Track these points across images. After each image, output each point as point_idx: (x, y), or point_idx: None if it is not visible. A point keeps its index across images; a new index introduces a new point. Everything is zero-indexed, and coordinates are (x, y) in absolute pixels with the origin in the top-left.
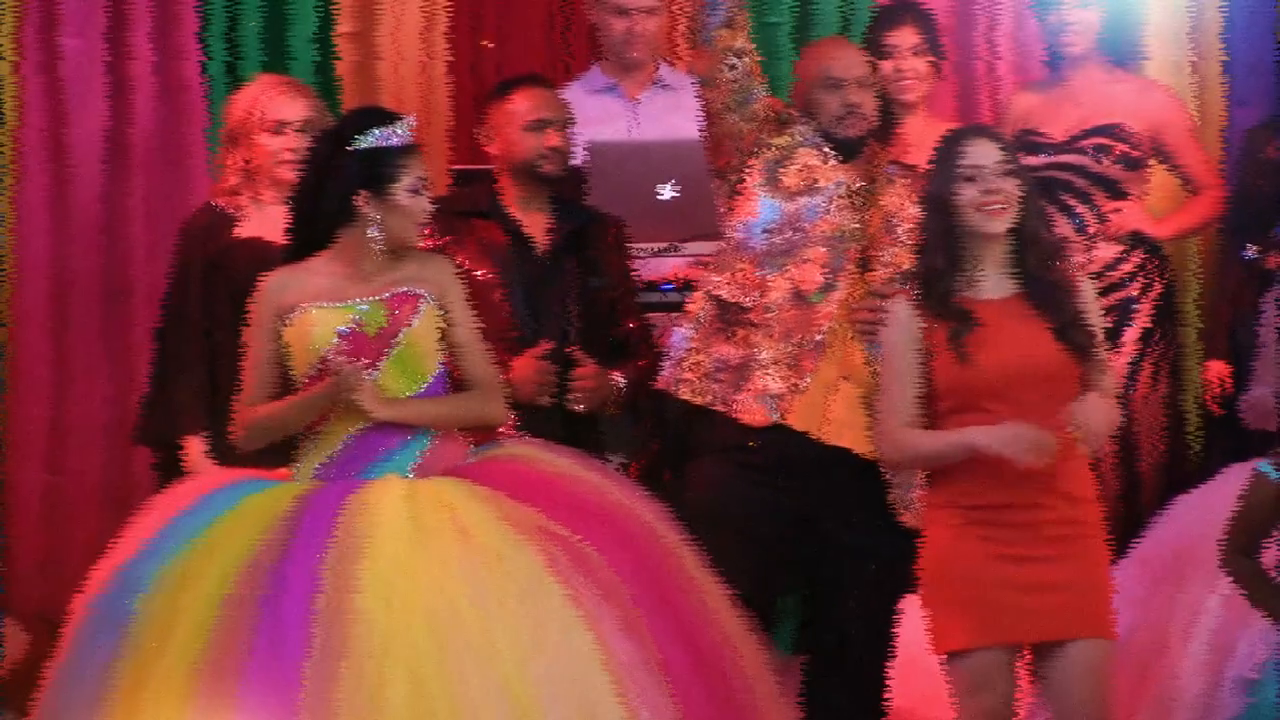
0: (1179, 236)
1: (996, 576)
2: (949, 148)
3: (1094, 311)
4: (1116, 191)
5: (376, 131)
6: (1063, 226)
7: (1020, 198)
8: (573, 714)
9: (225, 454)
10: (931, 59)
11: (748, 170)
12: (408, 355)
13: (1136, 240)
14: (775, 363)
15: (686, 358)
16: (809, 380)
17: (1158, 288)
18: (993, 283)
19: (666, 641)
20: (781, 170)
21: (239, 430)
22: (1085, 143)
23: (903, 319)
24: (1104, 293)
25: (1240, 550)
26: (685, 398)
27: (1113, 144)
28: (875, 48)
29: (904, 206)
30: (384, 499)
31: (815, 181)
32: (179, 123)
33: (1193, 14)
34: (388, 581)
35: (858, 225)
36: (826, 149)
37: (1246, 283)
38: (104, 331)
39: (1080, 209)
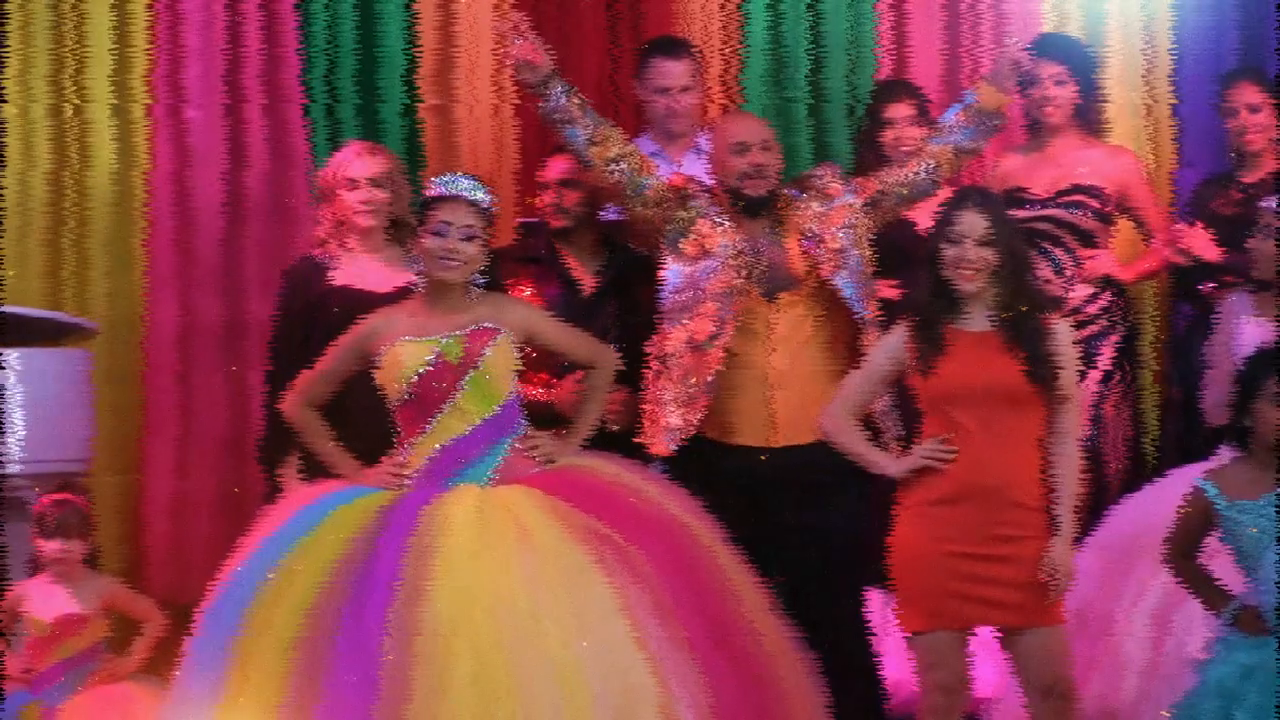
0: (1141, 279)
1: (952, 570)
2: (947, 211)
3: (1066, 355)
4: (1090, 241)
5: (431, 186)
6: (1044, 269)
7: (999, 262)
8: (611, 687)
9: (317, 472)
10: (925, 127)
11: (661, 243)
12: (483, 380)
13: (1106, 282)
14: (675, 401)
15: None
16: (699, 418)
17: (1123, 323)
18: (974, 319)
19: (695, 625)
20: (682, 240)
21: (291, 410)
22: (1064, 199)
23: (893, 336)
24: (1079, 326)
25: (1181, 554)
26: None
27: (1087, 200)
28: (876, 119)
29: (810, 218)
30: (457, 505)
31: (707, 247)
32: (285, 184)
33: (1145, 79)
34: (456, 574)
35: (741, 281)
36: (717, 218)
37: (1197, 318)
38: (224, 361)
39: (1060, 255)
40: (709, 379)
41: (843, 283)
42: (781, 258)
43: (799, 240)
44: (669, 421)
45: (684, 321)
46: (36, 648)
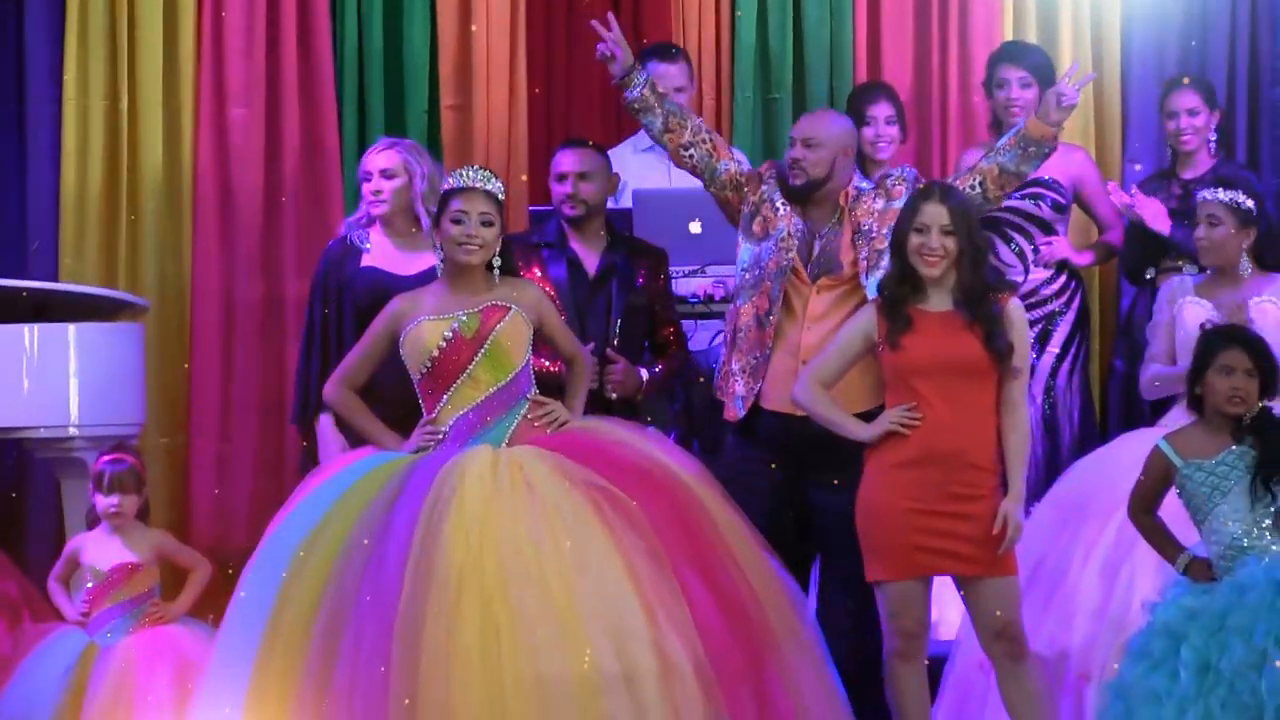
0: (1093, 264)
1: (915, 526)
2: (913, 203)
3: (1020, 333)
4: (1049, 229)
5: (449, 178)
6: (1008, 255)
7: (959, 249)
8: (606, 627)
9: (350, 431)
10: (900, 126)
11: (738, 222)
12: (496, 351)
13: (1062, 267)
14: (742, 371)
15: (720, 367)
16: (763, 384)
17: (1077, 303)
18: (937, 300)
19: (687, 571)
20: (754, 221)
21: (335, 394)
22: (1025, 192)
23: (865, 314)
24: (1037, 306)
25: (1142, 509)
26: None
27: (1046, 193)
28: (856, 118)
29: (870, 212)
30: (472, 463)
31: (769, 229)
32: (319, 174)
33: (1096, 83)
34: (468, 525)
35: (789, 261)
36: (780, 203)
37: (1140, 300)
38: (263, 335)
39: (1022, 242)
40: (768, 351)
41: (869, 281)
42: (835, 246)
43: (853, 233)
44: (736, 389)
45: (752, 298)
46: (94, 593)
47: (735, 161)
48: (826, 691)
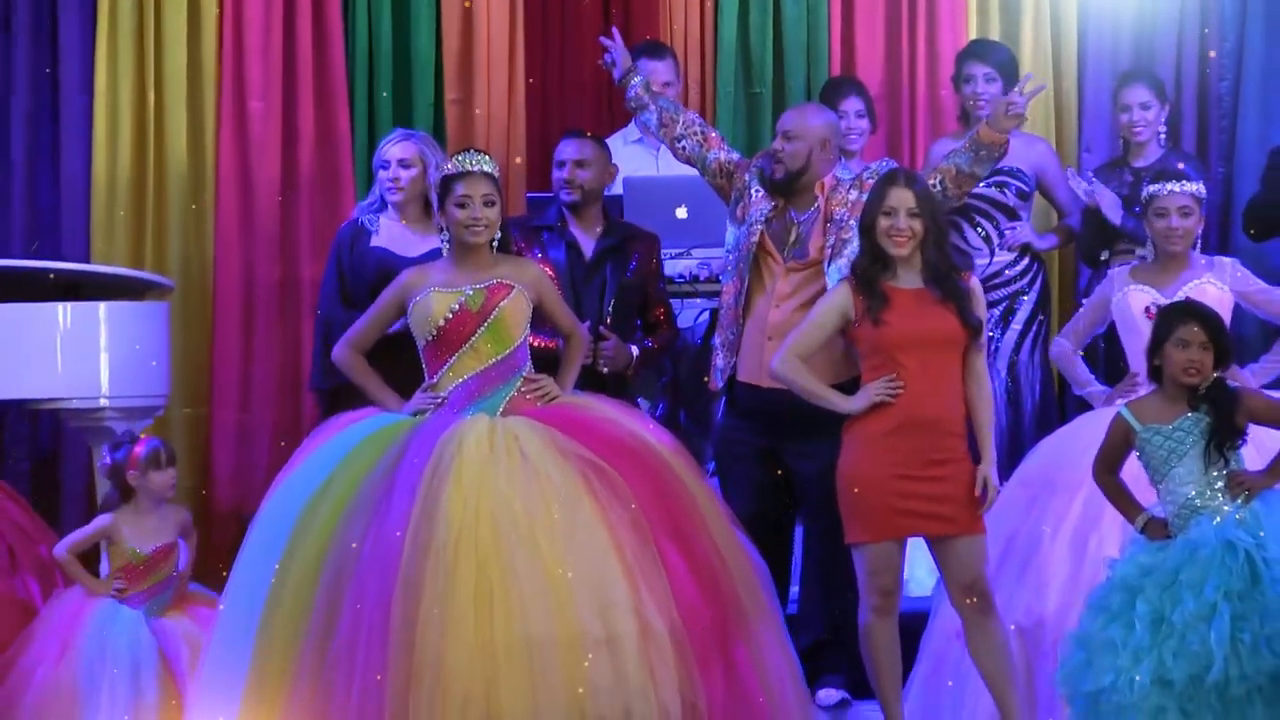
0: (1054, 248)
1: (894, 490)
2: (880, 187)
3: (979, 306)
4: (1013, 215)
5: (449, 164)
6: (975, 238)
7: (925, 231)
8: (591, 592)
9: (361, 397)
10: (869, 119)
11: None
12: (499, 325)
13: (1025, 250)
14: (722, 345)
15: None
16: (737, 358)
17: (1039, 283)
18: (906, 277)
19: (666, 541)
20: (737, 207)
21: (343, 356)
22: (991, 180)
23: (839, 292)
24: (1003, 285)
25: (1105, 470)
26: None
27: (1010, 181)
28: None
29: (844, 203)
30: (471, 431)
31: (747, 213)
32: (332, 163)
33: (1055, 78)
34: (465, 490)
35: (756, 241)
36: (753, 189)
37: (1095, 277)
38: (280, 312)
39: (988, 226)
40: (741, 327)
41: (830, 267)
42: (809, 232)
43: (825, 221)
44: (716, 362)
45: (733, 278)
46: (134, 574)
47: (724, 151)
48: (788, 663)
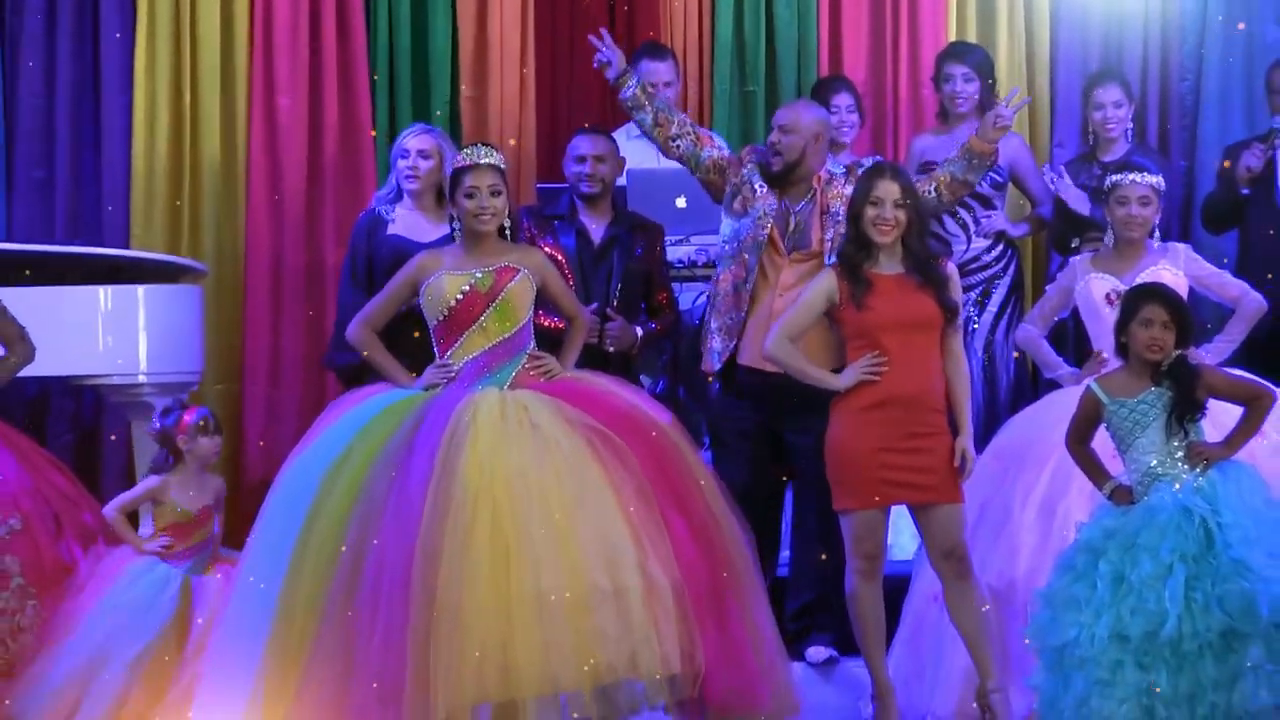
0: (1026, 235)
1: (878, 462)
2: (868, 179)
3: (956, 291)
4: (988, 204)
5: (458, 157)
6: (953, 226)
7: (908, 221)
8: (599, 549)
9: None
10: (859, 114)
11: (720, 201)
12: (506, 306)
13: (1000, 237)
14: (719, 330)
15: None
16: (738, 342)
17: (1013, 268)
18: (887, 264)
19: (667, 505)
20: (735, 200)
21: (357, 333)
22: None
23: (826, 277)
24: (979, 270)
25: (1077, 441)
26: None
27: (987, 173)
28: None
29: (839, 196)
30: (483, 403)
31: (748, 207)
32: (354, 155)
33: (1028, 76)
34: (481, 457)
35: (766, 236)
36: (759, 184)
37: (1064, 263)
38: (306, 294)
39: (965, 215)
40: (743, 314)
41: (832, 259)
42: (807, 223)
43: (822, 213)
44: (714, 345)
45: (730, 267)
46: (179, 531)
47: (717, 149)
48: (773, 628)
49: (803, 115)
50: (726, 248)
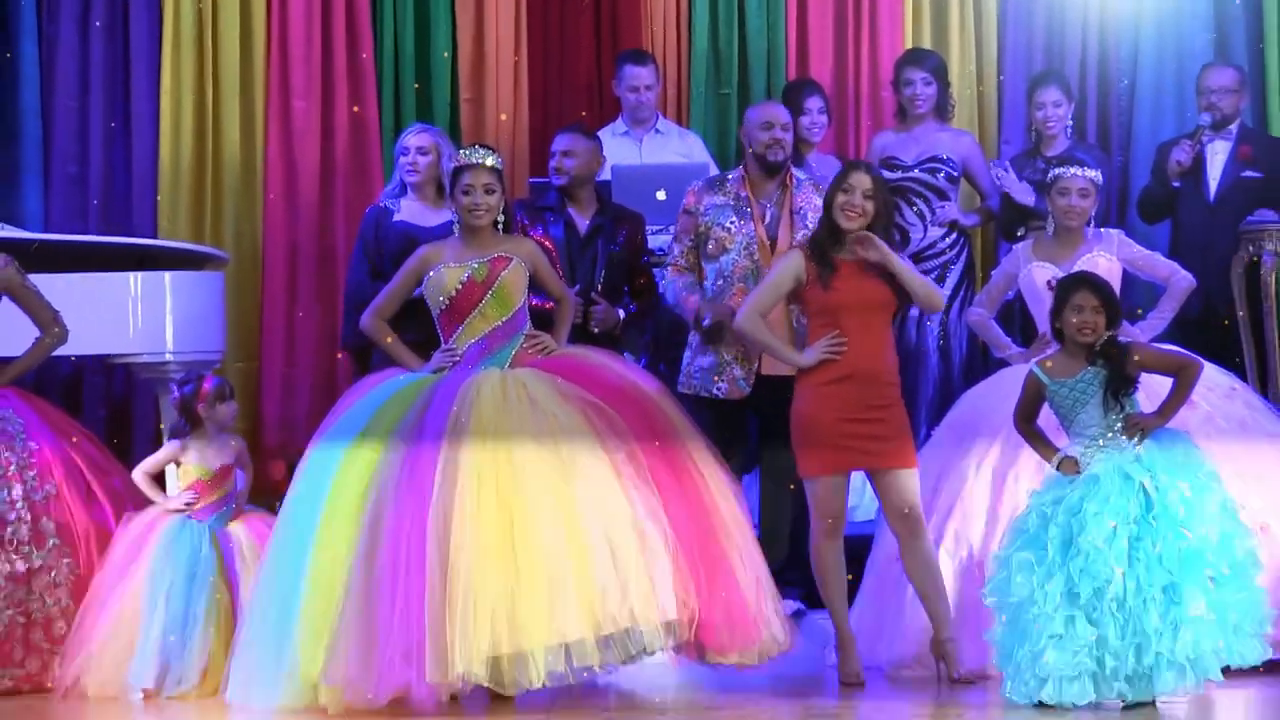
0: (977, 225)
1: (839, 431)
2: (843, 171)
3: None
4: (943, 196)
5: (457, 156)
6: (911, 216)
7: (875, 213)
8: (596, 511)
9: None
10: (827, 115)
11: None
12: (502, 293)
13: (954, 226)
14: (735, 359)
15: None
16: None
17: (964, 255)
18: (853, 251)
19: (656, 467)
20: (707, 245)
21: (370, 323)
22: (924, 166)
23: (793, 258)
24: (935, 256)
25: (1024, 420)
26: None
27: (940, 167)
28: (794, 108)
29: (809, 201)
30: (486, 382)
31: (725, 245)
32: (363, 153)
33: (978, 80)
34: (485, 428)
35: (753, 263)
36: (727, 221)
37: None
38: (319, 278)
39: (922, 206)
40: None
41: None
42: (778, 218)
43: (792, 212)
44: (735, 373)
45: (730, 298)
46: (202, 487)
47: (685, 239)
48: (761, 569)
49: (789, 114)
50: (714, 285)
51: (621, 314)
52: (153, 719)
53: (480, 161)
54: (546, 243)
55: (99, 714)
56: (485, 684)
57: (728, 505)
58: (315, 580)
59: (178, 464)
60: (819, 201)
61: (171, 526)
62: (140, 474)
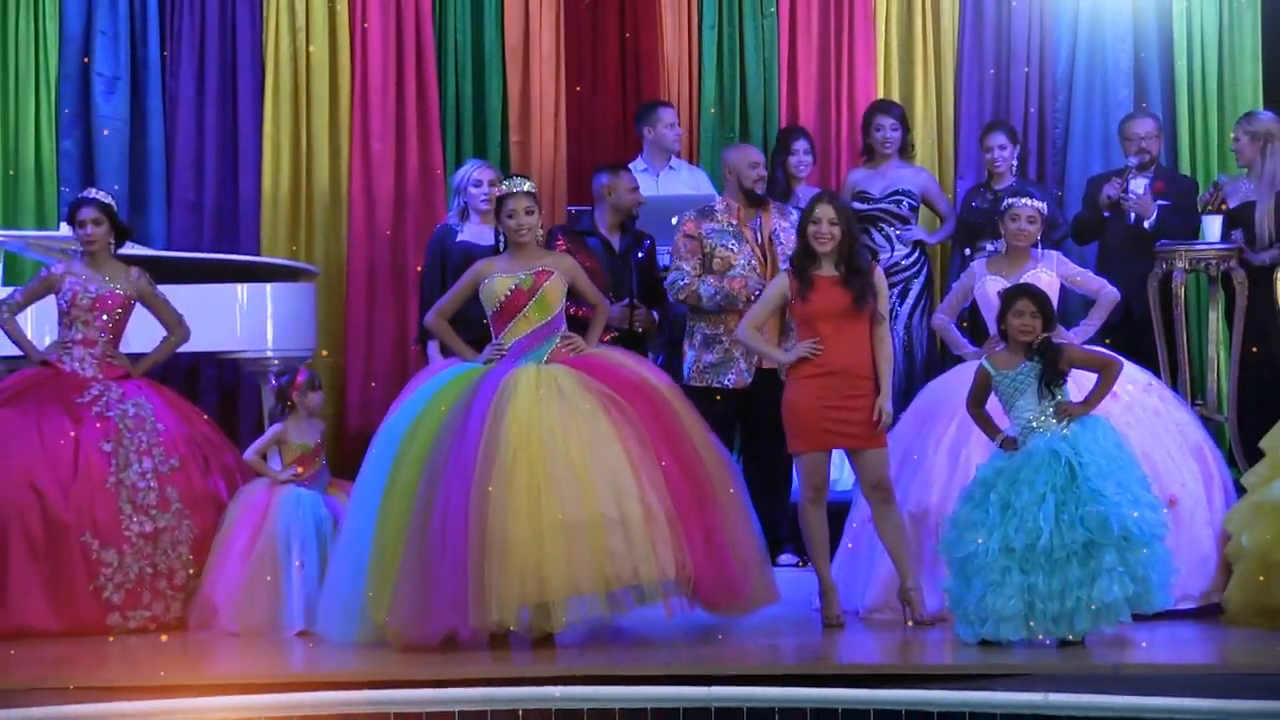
0: (938, 243)
1: (822, 415)
2: (811, 203)
3: (882, 290)
4: (906, 222)
5: (499, 189)
6: (879, 238)
7: (842, 235)
8: (608, 486)
9: (446, 350)
10: (812, 155)
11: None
12: (543, 300)
13: (916, 246)
14: (743, 355)
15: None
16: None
17: (925, 270)
18: (827, 267)
19: (661, 450)
20: (712, 262)
21: (433, 321)
22: (890, 198)
23: (780, 280)
24: (900, 272)
25: (975, 405)
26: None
27: (903, 198)
28: (784, 151)
29: (779, 223)
30: (523, 375)
31: (730, 263)
32: (429, 186)
33: (937, 123)
34: (520, 417)
35: (759, 275)
36: (729, 244)
37: (963, 266)
38: (392, 288)
39: (889, 229)
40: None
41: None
42: (761, 240)
43: (769, 234)
44: (741, 366)
45: (734, 311)
46: (304, 461)
47: (692, 258)
48: (753, 538)
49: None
50: (714, 301)
51: (655, 316)
52: (298, 653)
53: (519, 189)
54: (588, 261)
55: (255, 647)
56: (516, 628)
57: (721, 480)
58: (380, 540)
59: (280, 443)
60: (786, 224)
61: (290, 494)
62: (253, 454)
